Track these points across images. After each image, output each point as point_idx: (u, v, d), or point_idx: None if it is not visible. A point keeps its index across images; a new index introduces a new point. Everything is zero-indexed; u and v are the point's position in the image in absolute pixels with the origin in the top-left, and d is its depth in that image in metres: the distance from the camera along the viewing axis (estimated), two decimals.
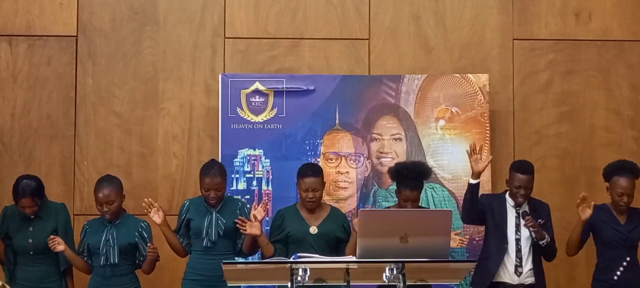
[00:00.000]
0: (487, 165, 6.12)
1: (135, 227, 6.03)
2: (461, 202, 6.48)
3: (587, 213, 6.01)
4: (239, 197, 6.52)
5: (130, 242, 5.99)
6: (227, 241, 5.99)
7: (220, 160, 6.67)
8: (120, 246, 5.94)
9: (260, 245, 5.92)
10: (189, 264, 6.05)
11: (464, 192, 6.27)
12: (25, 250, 6.05)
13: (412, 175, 5.93)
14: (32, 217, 6.05)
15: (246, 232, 5.85)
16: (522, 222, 5.99)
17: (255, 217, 5.82)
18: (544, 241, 5.96)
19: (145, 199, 6.04)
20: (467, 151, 6.08)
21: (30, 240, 6.04)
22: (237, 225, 5.87)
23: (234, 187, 6.74)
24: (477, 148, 6.05)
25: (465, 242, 5.95)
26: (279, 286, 5.38)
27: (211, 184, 5.97)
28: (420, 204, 6.07)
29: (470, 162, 6.00)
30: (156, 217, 5.96)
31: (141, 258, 6.03)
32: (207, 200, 6.00)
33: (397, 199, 6.04)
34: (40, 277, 6.08)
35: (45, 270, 6.09)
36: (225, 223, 5.97)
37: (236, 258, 5.99)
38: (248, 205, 6.08)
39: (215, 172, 5.99)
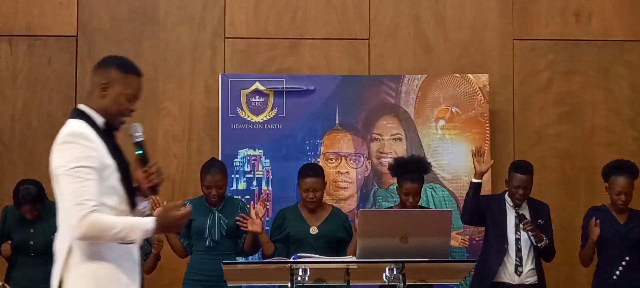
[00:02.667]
0: (489, 167, 6.17)
1: None
2: (461, 202, 6.48)
3: (597, 232, 5.99)
4: (237, 197, 6.52)
5: None
6: (230, 241, 6.00)
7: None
8: None
9: (261, 242, 5.93)
10: (190, 264, 6.05)
11: (464, 191, 6.29)
12: (26, 251, 6.05)
13: (411, 167, 5.98)
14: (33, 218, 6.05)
15: (247, 229, 5.87)
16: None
17: (257, 213, 5.83)
18: (542, 244, 5.98)
19: (152, 197, 6.04)
20: (472, 151, 6.14)
21: (31, 242, 6.03)
22: (238, 223, 5.88)
23: (234, 187, 6.74)
24: (481, 151, 6.10)
25: (467, 242, 5.95)
26: (279, 286, 5.37)
27: (212, 182, 5.97)
28: (420, 204, 6.08)
29: (474, 163, 6.05)
30: None
31: (144, 257, 6.03)
32: (208, 198, 6.01)
33: (398, 196, 6.06)
34: (41, 277, 6.06)
35: (46, 270, 6.00)
36: (228, 223, 5.97)
37: (238, 258, 6.00)
38: (248, 205, 6.09)
39: (216, 170, 6.00)
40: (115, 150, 3.76)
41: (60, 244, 3.67)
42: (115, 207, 3.68)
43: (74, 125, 3.70)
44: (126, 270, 3.68)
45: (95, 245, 3.60)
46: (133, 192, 3.80)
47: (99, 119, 3.77)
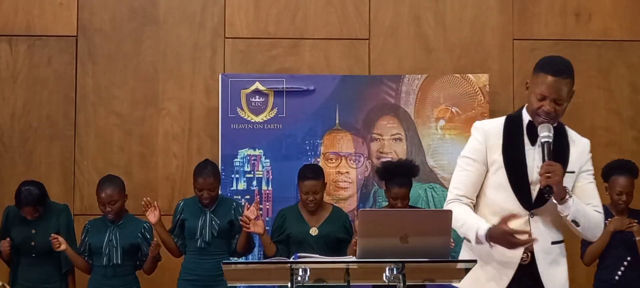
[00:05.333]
0: None
1: (137, 227, 6.03)
2: None
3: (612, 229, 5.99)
4: (237, 197, 6.52)
5: (132, 243, 5.99)
6: (221, 241, 6.00)
7: (220, 160, 6.67)
8: (123, 246, 5.95)
9: (263, 244, 5.95)
10: (183, 264, 6.07)
11: None
12: (27, 251, 6.05)
13: (399, 172, 5.98)
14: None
15: (250, 231, 5.86)
16: None
17: (247, 217, 5.82)
18: None
19: (145, 198, 6.04)
20: None
21: (33, 242, 6.03)
22: (241, 224, 5.88)
23: (234, 187, 6.74)
24: None
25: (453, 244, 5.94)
26: (279, 286, 5.37)
27: (204, 184, 5.98)
28: (420, 205, 6.08)
29: None
30: (151, 216, 5.97)
31: (143, 259, 6.03)
32: (201, 200, 6.01)
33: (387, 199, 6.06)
34: (42, 278, 6.07)
35: (47, 271, 6.08)
36: (219, 223, 5.97)
37: (230, 258, 6.00)
38: (242, 206, 6.07)
39: (208, 172, 6.00)
40: (516, 149, 3.85)
41: None
42: (501, 204, 3.88)
43: (485, 121, 4.03)
44: (487, 271, 3.88)
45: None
46: (526, 192, 3.88)
47: (527, 118, 3.91)
